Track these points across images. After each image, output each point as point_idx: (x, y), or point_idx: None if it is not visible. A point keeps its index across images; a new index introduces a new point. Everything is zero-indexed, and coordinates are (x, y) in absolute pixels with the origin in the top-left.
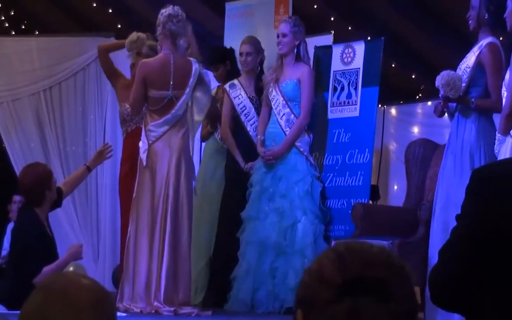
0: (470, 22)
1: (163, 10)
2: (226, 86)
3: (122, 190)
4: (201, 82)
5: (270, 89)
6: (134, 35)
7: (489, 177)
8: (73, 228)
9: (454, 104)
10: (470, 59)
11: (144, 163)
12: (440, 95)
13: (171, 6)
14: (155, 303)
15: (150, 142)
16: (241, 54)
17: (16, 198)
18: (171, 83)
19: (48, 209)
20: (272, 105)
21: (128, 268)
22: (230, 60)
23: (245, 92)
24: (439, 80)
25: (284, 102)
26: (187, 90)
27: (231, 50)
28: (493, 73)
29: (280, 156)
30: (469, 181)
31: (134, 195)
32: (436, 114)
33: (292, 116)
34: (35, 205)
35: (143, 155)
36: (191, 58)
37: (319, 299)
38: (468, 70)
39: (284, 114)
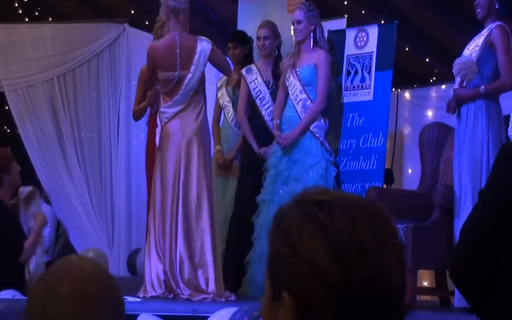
0: (478, 10)
1: None
2: (243, 71)
3: (146, 164)
4: None
5: (287, 75)
6: None
7: None
8: (88, 214)
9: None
10: (479, 39)
11: (157, 145)
12: (458, 82)
13: None
14: (173, 285)
15: (163, 123)
16: (258, 38)
17: None
18: (178, 63)
19: (10, 195)
20: (289, 91)
21: (149, 254)
22: (249, 46)
23: (261, 76)
24: (460, 66)
25: (301, 87)
26: (192, 67)
27: (251, 39)
28: (503, 51)
29: (294, 139)
30: (497, 154)
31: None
32: (450, 112)
33: (309, 102)
34: None
35: (157, 137)
36: (199, 36)
37: (316, 301)
38: (477, 48)
39: (300, 99)
